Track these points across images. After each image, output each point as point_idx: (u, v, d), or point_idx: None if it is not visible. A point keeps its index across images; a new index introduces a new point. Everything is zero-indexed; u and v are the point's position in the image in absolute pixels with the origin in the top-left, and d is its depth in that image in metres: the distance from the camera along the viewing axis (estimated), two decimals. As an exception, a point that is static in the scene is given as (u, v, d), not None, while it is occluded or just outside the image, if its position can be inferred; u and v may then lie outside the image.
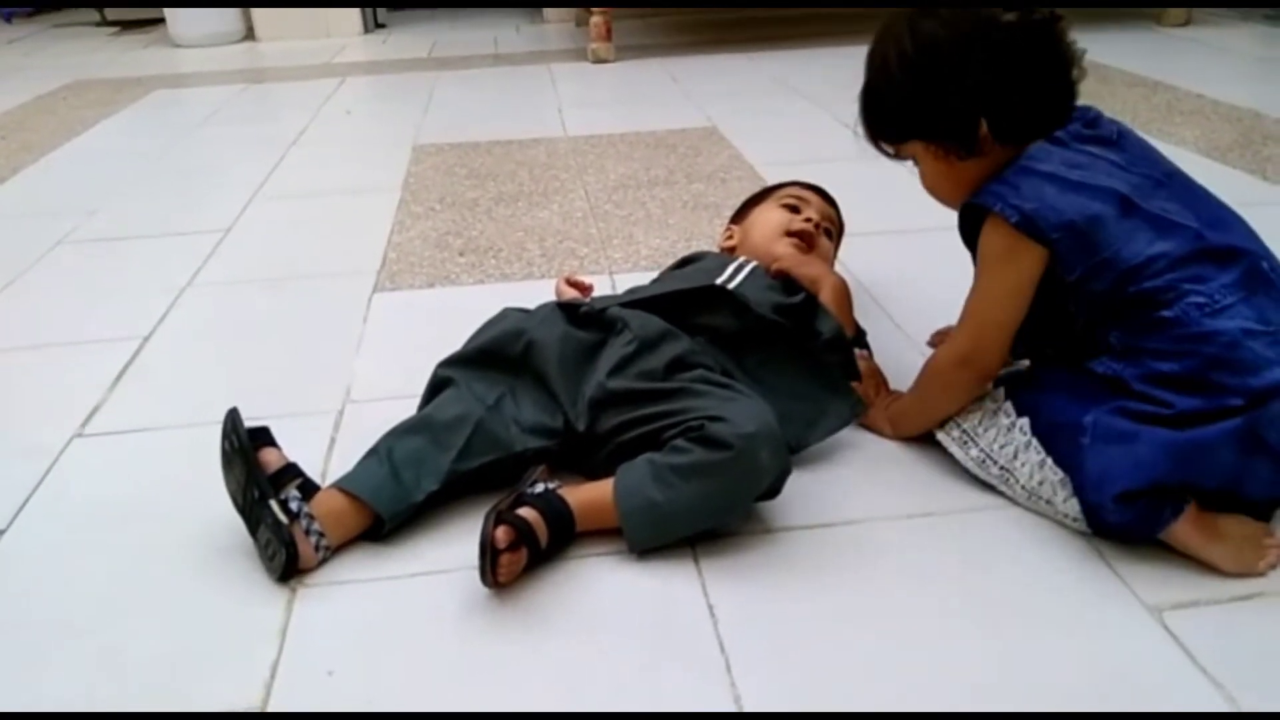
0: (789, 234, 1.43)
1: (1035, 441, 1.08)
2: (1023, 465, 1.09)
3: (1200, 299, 1.00)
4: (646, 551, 1.03)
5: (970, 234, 1.13)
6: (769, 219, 1.47)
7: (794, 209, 1.47)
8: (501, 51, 3.94)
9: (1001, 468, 1.11)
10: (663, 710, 0.85)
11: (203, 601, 1.01)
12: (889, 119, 1.15)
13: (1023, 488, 1.09)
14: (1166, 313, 1.01)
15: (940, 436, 1.16)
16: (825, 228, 1.47)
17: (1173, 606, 0.94)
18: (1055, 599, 0.96)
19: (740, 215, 1.56)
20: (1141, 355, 1.02)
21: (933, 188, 1.17)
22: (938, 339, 1.41)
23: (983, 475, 1.12)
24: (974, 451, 1.13)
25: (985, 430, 1.13)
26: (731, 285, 1.27)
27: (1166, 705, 0.84)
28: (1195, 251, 1.03)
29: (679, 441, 1.03)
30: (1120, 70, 3.09)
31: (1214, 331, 0.99)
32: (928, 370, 1.19)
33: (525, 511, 1.00)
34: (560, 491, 1.05)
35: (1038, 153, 1.09)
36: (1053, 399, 1.09)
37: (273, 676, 0.91)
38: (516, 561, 0.98)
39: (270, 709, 0.87)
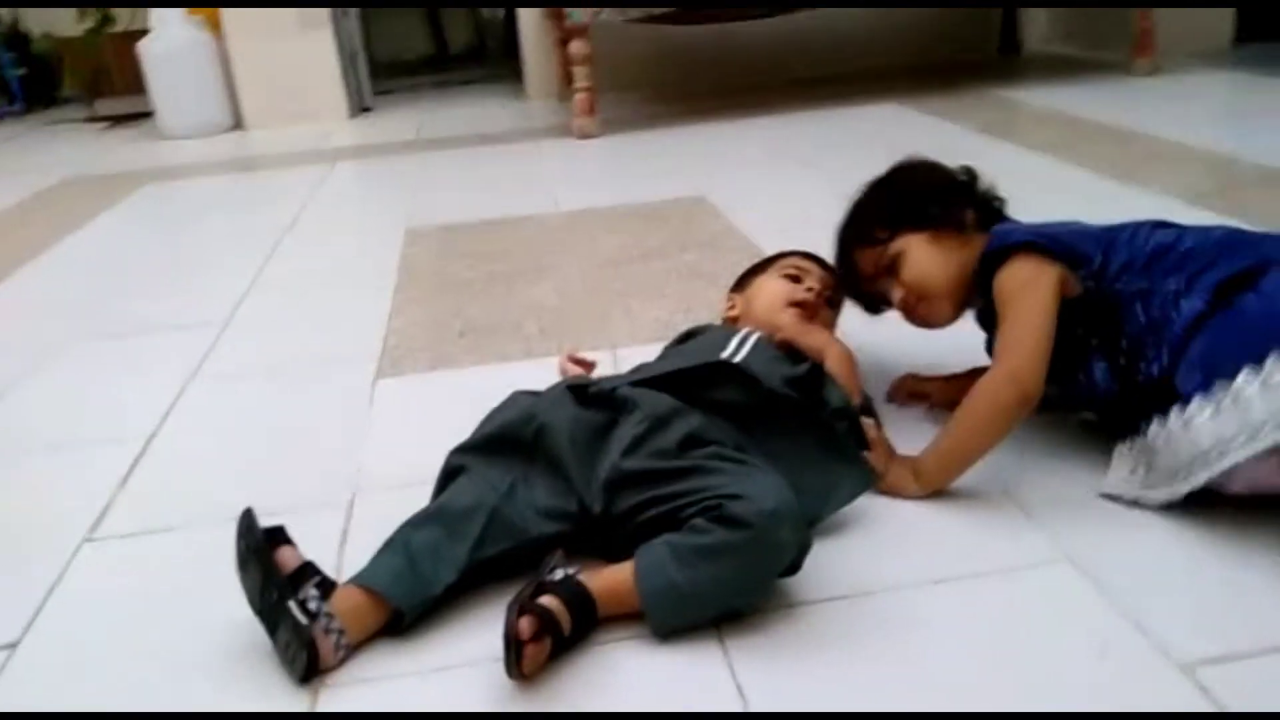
0: (791, 304, 1.44)
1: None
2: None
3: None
4: (671, 634, 1.02)
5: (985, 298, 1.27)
6: (771, 289, 1.48)
7: (795, 279, 1.48)
8: (487, 131, 4.01)
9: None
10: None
11: (222, 707, 0.99)
12: (895, 210, 1.35)
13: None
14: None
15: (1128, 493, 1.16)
16: (827, 297, 1.48)
17: (1205, 661, 0.93)
18: (1084, 660, 0.96)
19: (741, 285, 1.57)
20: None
21: (924, 274, 1.32)
22: (897, 388, 1.44)
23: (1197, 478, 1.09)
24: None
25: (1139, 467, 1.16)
26: (738, 359, 1.27)
27: (1208, 767, 0.83)
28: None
29: (698, 521, 1.03)
30: (1094, 122, 3.16)
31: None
32: (972, 396, 1.19)
33: (547, 600, 0.99)
34: (580, 577, 1.04)
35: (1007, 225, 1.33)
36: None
37: (299, 784, 0.89)
38: (541, 651, 0.97)
39: (298, 818, 0.86)
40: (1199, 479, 1.09)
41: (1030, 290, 1.20)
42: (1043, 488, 1.23)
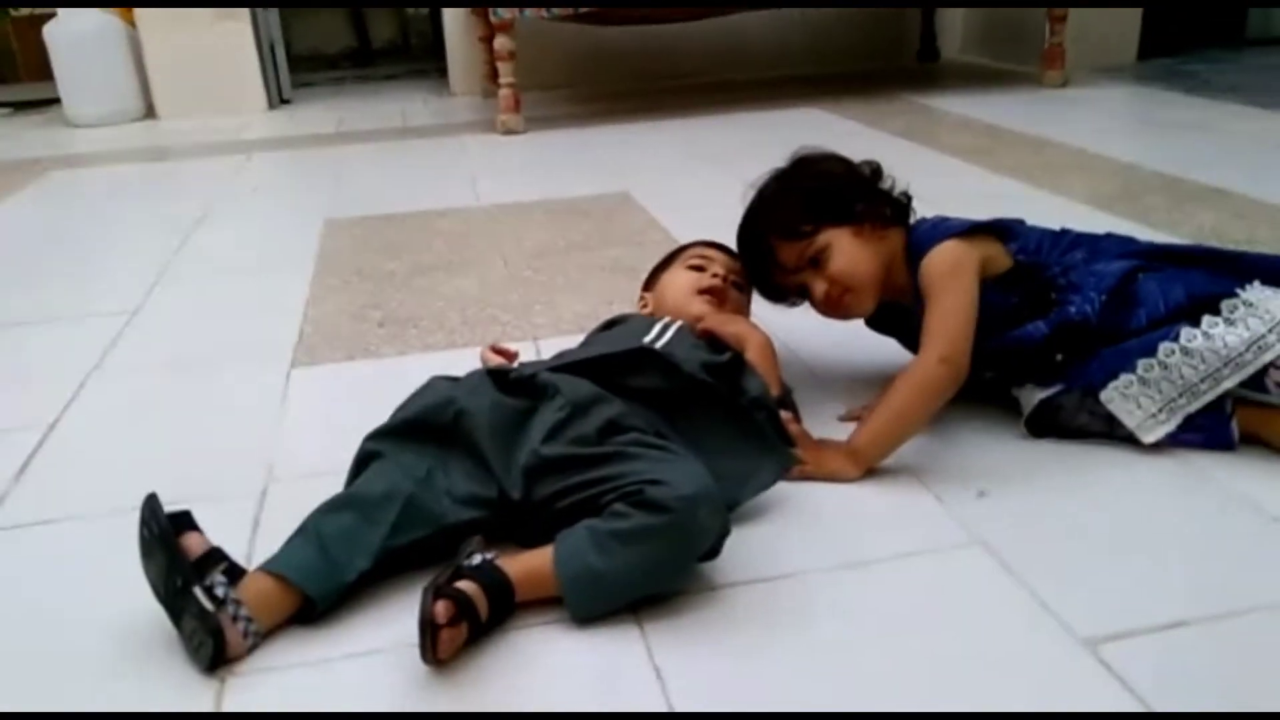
0: (699, 292, 1.45)
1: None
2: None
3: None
4: (589, 619, 1.02)
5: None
6: (678, 281, 1.49)
7: (700, 268, 1.49)
8: (410, 125, 3.95)
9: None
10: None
11: (126, 699, 0.95)
12: (819, 204, 1.37)
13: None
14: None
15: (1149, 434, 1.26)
16: (733, 280, 1.49)
17: (1106, 638, 0.96)
18: (992, 639, 0.98)
19: (650, 282, 1.58)
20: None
21: (852, 267, 1.35)
22: (853, 415, 1.41)
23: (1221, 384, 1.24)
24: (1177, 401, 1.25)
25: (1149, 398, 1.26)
26: (659, 345, 1.28)
27: (1108, 737, 0.86)
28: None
29: (617, 506, 1.03)
30: (1009, 130, 3.26)
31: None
32: (904, 378, 1.27)
33: (464, 585, 0.98)
34: (498, 562, 1.03)
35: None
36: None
37: (204, 773, 0.86)
38: (457, 637, 0.96)
39: (203, 809, 0.83)
40: (1231, 381, 1.23)
41: (955, 276, 1.29)
42: (956, 474, 1.26)
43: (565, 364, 1.24)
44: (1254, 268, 1.31)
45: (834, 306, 1.39)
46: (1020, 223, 1.40)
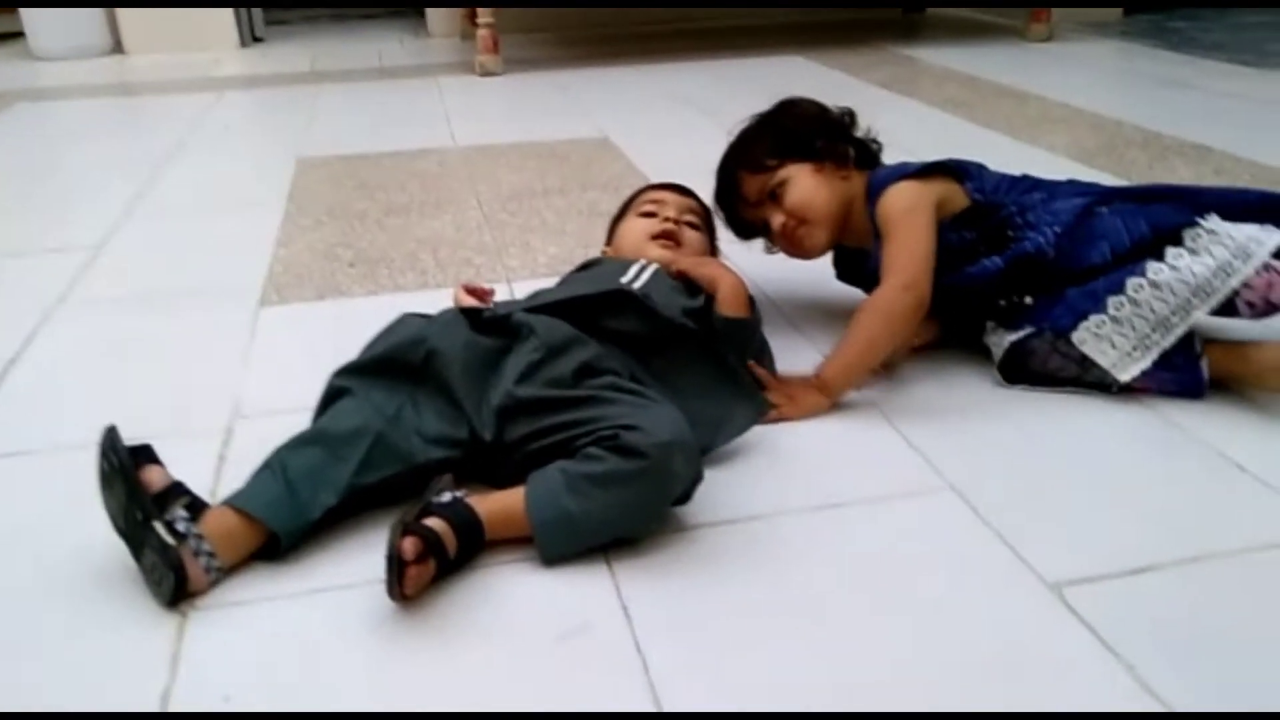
0: (653, 238, 1.43)
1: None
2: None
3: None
4: (558, 560, 1.01)
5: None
6: (633, 229, 1.47)
7: (651, 214, 1.47)
8: (386, 65, 3.87)
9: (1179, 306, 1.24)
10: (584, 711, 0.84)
11: (87, 632, 0.94)
12: (783, 141, 1.40)
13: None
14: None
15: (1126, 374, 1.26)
16: (688, 221, 1.46)
17: (1072, 582, 0.97)
18: (960, 582, 0.98)
19: (610, 233, 1.55)
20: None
21: (807, 200, 1.39)
22: None
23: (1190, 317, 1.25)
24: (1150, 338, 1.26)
25: (1121, 338, 1.26)
26: (637, 285, 1.26)
27: (1070, 679, 0.86)
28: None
29: (592, 450, 1.02)
30: (992, 82, 3.23)
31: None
32: (868, 307, 1.30)
33: (433, 522, 0.97)
34: (469, 500, 1.02)
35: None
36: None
37: (164, 705, 0.85)
38: (424, 573, 0.95)
39: (163, 740, 0.82)
40: (1202, 310, 1.23)
41: (913, 212, 1.32)
42: (926, 419, 1.27)
43: (542, 304, 1.22)
44: (1211, 201, 1.33)
45: (789, 240, 1.43)
46: (979, 166, 1.42)
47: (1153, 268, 1.26)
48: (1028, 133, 2.58)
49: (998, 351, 1.33)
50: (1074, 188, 1.40)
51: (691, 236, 1.46)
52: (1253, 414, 1.26)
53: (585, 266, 1.45)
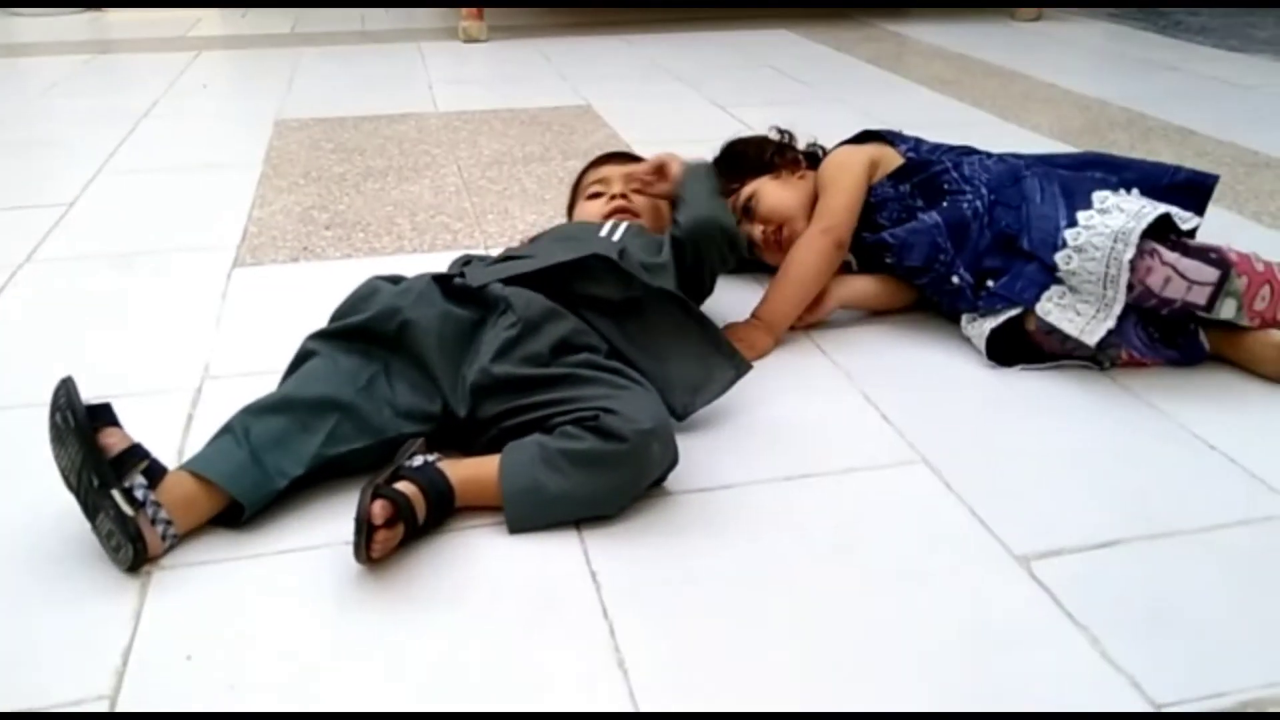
0: (606, 216, 1.42)
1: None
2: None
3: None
4: (525, 531, 1.00)
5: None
6: (586, 212, 1.46)
7: (598, 194, 1.47)
8: (369, 29, 3.82)
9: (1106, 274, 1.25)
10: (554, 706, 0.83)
11: (46, 591, 0.93)
12: (741, 165, 1.53)
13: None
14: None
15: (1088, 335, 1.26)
16: (634, 189, 1.45)
17: (1039, 555, 0.97)
18: (930, 554, 0.98)
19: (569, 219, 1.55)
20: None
21: (778, 202, 1.48)
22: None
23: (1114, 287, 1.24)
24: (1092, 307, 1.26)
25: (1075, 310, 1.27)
26: (614, 239, 1.26)
27: (1036, 650, 0.86)
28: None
29: (571, 428, 1.01)
30: (980, 60, 3.22)
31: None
32: (794, 252, 1.40)
33: (404, 486, 0.96)
34: (440, 465, 1.01)
35: None
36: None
37: (125, 664, 0.84)
38: (392, 538, 0.94)
39: (122, 697, 0.81)
40: (1128, 252, 1.22)
41: (843, 169, 1.46)
42: (901, 393, 1.26)
43: (518, 274, 1.20)
44: (1135, 177, 1.39)
45: (775, 245, 1.48)
46: (916, 138, 1.52)
47: (1070, 234, 1.28)
48: (1013, 111, 2.58)
49: (979, 341, 1.34)
50: (1012, 156, 1.47)
51: (644, 203, 1.45)
52: (1223, 393, 1.27)
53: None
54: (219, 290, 1.55)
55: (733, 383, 1.19)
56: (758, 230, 1.48)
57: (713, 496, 1.06)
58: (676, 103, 2.68)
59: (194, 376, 1.29)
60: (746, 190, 1.49)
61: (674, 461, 1.05)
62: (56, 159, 2.23)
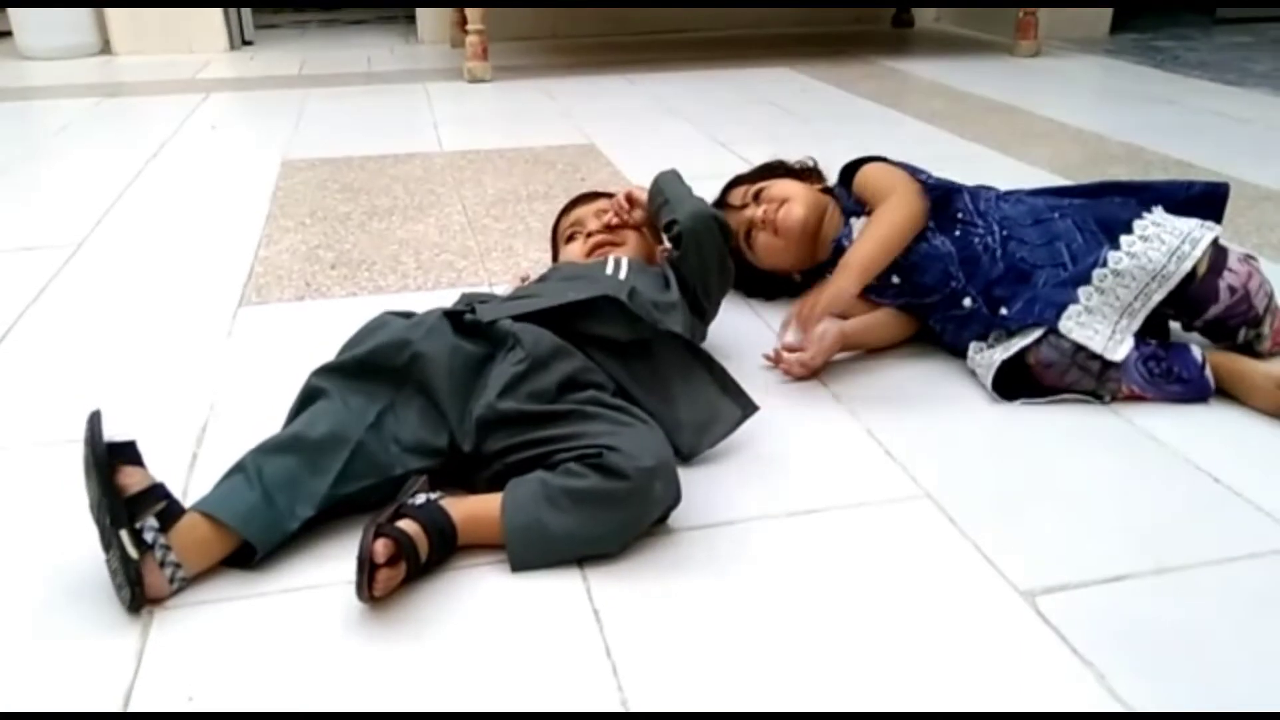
0: (589, 256, 1.44)
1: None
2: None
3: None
4: (527, 570, 1.00)
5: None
6: (569, 255, 1.48)
7: (573, 237, 1.50)
8: (375, 70, 3.87)
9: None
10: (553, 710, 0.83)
11: (52, 628, 0.93)
12: (762, 173, 1.61)
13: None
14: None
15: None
16: (608, 222, 1.47)
17: (1044, 591, 0.97)
18: (934, 590, 0.98)
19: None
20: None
21: (788, 189, 1.53)
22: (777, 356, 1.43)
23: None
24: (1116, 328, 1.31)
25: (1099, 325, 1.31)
26: (621, 277, 1.27)
27: (1041, 687, 0.86)
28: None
29: (574, 465, 1.01)
30: (980, 96, 3.25)
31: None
32: (889, 205, 1.40)
33: (406, 524, 0.96)
34: (443, 503, 1.01)
35: None
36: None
37: (126, 704, 0.84)
38: (395, 576, 0.94)
39: (123, 739, 0.81)
40: (1159, 294, 1.31)
41: (889, 171, 1.48)
42: (904, 427, 1.26)
43: (526, 313, 1.20)
44: (1156, 195, 1.43)
45: (769, 223, 1.51)
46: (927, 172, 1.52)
47: (1113, 257, 1.32)
48: (1012, 146, 2.60)
49: (985, 372, 1.34)
50: (1025, 192, 1.50)
51: (626, 235, 1.47)
52: (1228, 426, 1.27)
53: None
54: (225, 329, 1.56)
55: (739, 423, 1.19)
56: (760, 209, 1.51)
57: (715, 533, 1.06)
58: (679, 140, 2.70)
59: (199, 415, 1.29)
60: (762, 182, 1.56)
61: (676, 499, 1.05)
62: (66, 199, 2.25)
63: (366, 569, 0.91)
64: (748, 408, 1.20)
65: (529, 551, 1.00)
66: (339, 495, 1.04)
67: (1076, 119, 2.91)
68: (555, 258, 1.56)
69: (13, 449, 1.23)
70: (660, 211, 1.39)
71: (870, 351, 1.47)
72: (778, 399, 1.33)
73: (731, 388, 1.21)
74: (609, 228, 1.47)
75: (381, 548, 0.92)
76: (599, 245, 1.45)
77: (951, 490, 1.13)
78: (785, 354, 1.39)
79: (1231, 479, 1.15)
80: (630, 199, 1.47)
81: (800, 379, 1.38)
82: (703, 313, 1.37)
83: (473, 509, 1.02)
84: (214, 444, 1.22)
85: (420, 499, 1.01)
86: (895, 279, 1.42)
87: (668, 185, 1.42)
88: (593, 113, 3.04)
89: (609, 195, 1.55)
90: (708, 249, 1.33)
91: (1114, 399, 1.31)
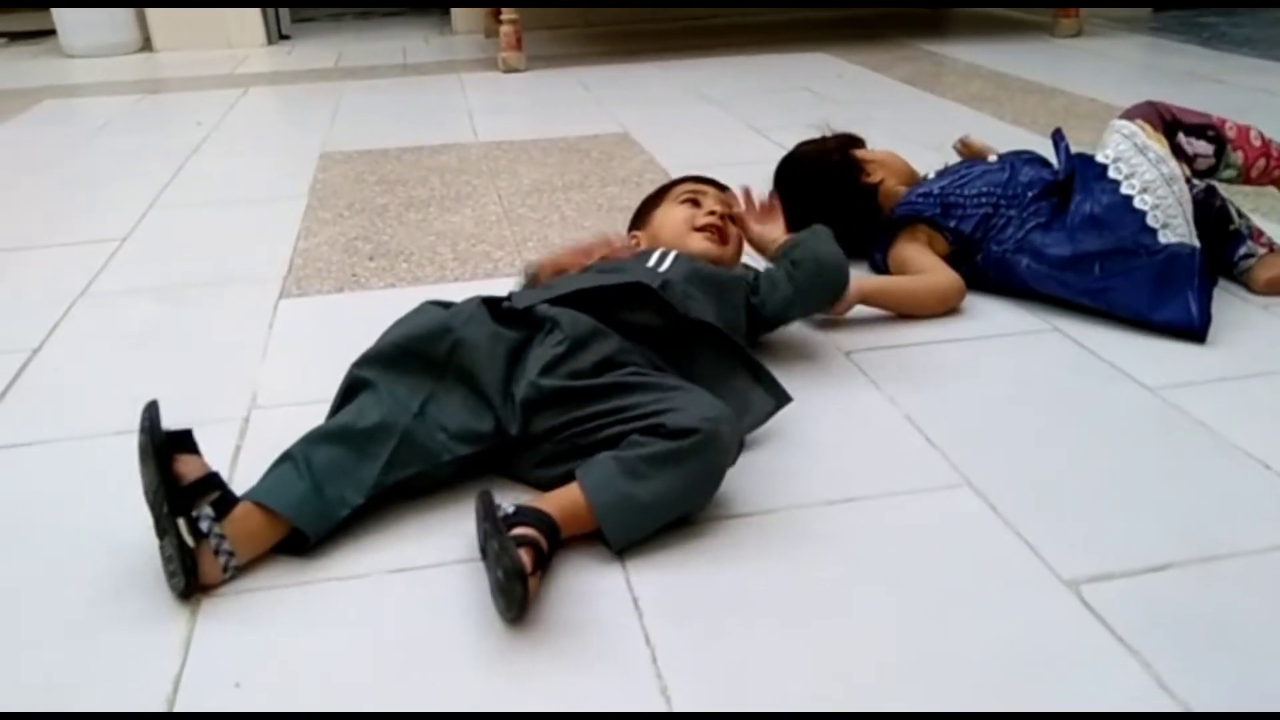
0: (697, 229, 1.42)
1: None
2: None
3: None
4: (571, 547, 1.00)
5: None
6: (674, 216, 1.45)
7: (695, 203, 1.46)
8: (410, 62, 3.89)
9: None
10: (594, 710, 0.83)
11: (102, 614, 0.95)
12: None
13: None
14: None
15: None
16: (728, 215, 1.46)
17: (1088, 579, 0.96)
18: (977, 578, 0.97)
19: (641, 220, 1.51)
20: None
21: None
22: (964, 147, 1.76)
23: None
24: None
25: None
26: (661, 269, 1.27)
27: (1085, 676, 0.85)
28: None
29: (638, 437, 1.01)
30: (1018, 78, 3.20)
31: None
32: (932, 279, 1.53)
33: (522, 531, 0.94)
34: (532, 505, 0.99)
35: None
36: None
37: (175, 690, 0.86)
38: (536, 583, 0.93)
39: (173, 725, 0.83)
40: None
41: (922, 252, 1.58)
42: (943, 415, 1.25)
43: (561, 295, 1.21)
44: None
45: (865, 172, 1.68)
46: (960, 207, 1.59)
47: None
48: (1053, 127, 2.55)
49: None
50: (1037, 204, 1.56)
51: (732, 232, 1.45)
52: (1279, 413, 1.24)
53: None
54: (266, 321, 1.58)
55: (773, 413, 1.19)
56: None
57: (755, 521, 1.06)
58: (713, 127, 2.69)
59: (242, 407, 1.31)
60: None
61: (742, 443, 1.08)
62: (110, 195, 2.29)
63: (522, 581, 0.87)
64: (781, 398, 1.20)
65: (626, 526, 0.99)
66: (387, 482, 1.05)
67: (1119, 99, 2.83)
68: (640, 219, 1.51)
69: (60, 440, 1.26)
70: (793, 244, 1.36)
71: (907, 338, 1.46)
72: (814, 385, 1.32)
73: (765, 379, 1.21)
74: (728, 217, 1.45)
75: (526, 555, 0.90)
76: (718, 229, 1.43)
77: (993, 478, 1.12)
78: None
79: (1282, 465, 1.13)
80: (771, 209, 1.45)
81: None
82: (769, 327, 1.38)
83: (557, 502, 1.00)
84: (257, 435, 1.24)
85: (509, 508, 0.98)
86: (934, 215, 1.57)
87: (815, 232, 1.37)
88: (626, 101, 3.03)
89: (726, 187, 1.53)
90: (808, 294, 1.35)
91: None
